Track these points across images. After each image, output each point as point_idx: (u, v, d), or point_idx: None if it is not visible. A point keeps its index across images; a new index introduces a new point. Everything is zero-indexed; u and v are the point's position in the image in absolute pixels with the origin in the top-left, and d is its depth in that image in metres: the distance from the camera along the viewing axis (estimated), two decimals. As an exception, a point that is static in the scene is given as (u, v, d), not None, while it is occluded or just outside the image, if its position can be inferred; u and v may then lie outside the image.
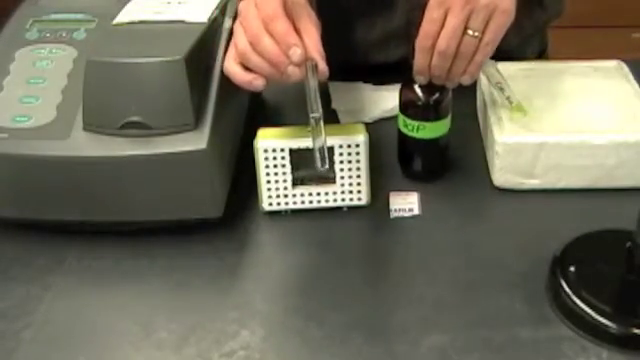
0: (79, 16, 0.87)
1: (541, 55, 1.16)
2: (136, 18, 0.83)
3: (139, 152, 0.75)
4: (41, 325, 0.73)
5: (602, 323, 0.68)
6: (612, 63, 0.97)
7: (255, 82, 0.75)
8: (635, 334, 0.68)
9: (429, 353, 0.68)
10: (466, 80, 0.80)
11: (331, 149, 0.81)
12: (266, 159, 0.81)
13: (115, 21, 0.83)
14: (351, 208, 0.84)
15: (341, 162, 0.82)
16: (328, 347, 0.70)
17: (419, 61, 0.79)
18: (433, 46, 0.77)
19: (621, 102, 0.90)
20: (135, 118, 0.75)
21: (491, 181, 0.87)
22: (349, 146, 0.81)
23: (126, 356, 0.70)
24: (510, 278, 0.75)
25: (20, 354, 0.70)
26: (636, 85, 0.92)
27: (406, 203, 0.85)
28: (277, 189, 0.83)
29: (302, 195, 0.83)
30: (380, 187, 0.86)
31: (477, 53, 0.78)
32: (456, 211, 0.85)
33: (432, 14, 0.77)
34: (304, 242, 0.82)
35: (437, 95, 0.83)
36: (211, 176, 0.78)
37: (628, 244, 0.71)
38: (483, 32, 0.76)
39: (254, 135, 0.82)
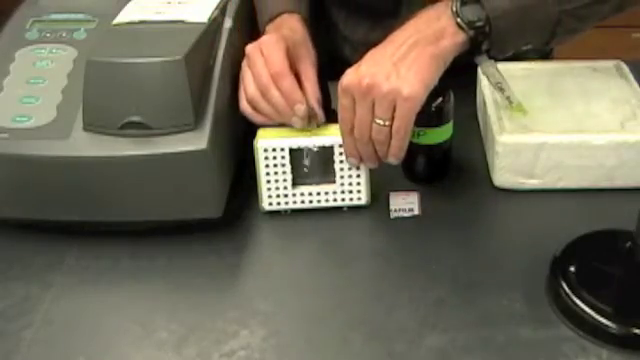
0: (79, 16, 0.87)
1: (546, 57, 1.15)
2: (136, 18, 0.83)
3: (139, 152, 0.75)
4: (41, 325, 0.73)
5: (602, 323, 0.68)
6: (612, 63, 0.97)
7: (269, 123, 0.85)
8: (635, 334, 0.68)
9: (429, 353, 0.68)
10: (392, 161, 0.79)
11: (331, 149, 0.81)
12: (266, 159, 0.81)
13: (115, 21, 0.83)
14: (351, 208, 0.84)
15: (341, 162, 0.82)
16: (328, 347, 0.70)
17: (346, 145, 0.80)
18: (352, 131, 0.78)
19: (621, 102, 0.89)
20: (135, 118, 0.75)
21: (491, 181, 0.87)
22: (349, 146, 0.81)
23: (126, 356, 0.70)
24: (510, 278, 0.75)
25: (20, 354, 0.70)
26: (636, 85, 0.92)
27: (406, 203, 0.85)
28: (277, 189, 0.83)
29: (302, 195, 0.83)
30: (380, 187, 0.86)
31: (392, 138, 0.77)
32: (456, 211, 0.85)
33: (341, 101, 0.77)
34: (304, 242, 0.82)
35: (438, 101, 0.83)
36: (211, 176, 0.78)
37: (628, 244, 0.72)
38: (392, 119, 0.75)
39: (254, 135, 0.82)
